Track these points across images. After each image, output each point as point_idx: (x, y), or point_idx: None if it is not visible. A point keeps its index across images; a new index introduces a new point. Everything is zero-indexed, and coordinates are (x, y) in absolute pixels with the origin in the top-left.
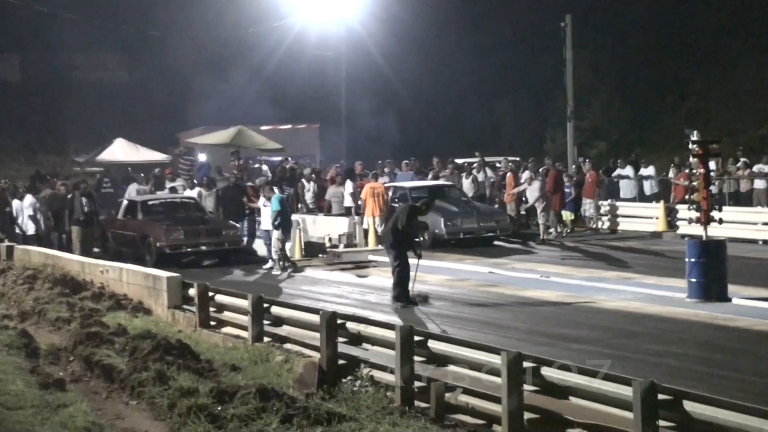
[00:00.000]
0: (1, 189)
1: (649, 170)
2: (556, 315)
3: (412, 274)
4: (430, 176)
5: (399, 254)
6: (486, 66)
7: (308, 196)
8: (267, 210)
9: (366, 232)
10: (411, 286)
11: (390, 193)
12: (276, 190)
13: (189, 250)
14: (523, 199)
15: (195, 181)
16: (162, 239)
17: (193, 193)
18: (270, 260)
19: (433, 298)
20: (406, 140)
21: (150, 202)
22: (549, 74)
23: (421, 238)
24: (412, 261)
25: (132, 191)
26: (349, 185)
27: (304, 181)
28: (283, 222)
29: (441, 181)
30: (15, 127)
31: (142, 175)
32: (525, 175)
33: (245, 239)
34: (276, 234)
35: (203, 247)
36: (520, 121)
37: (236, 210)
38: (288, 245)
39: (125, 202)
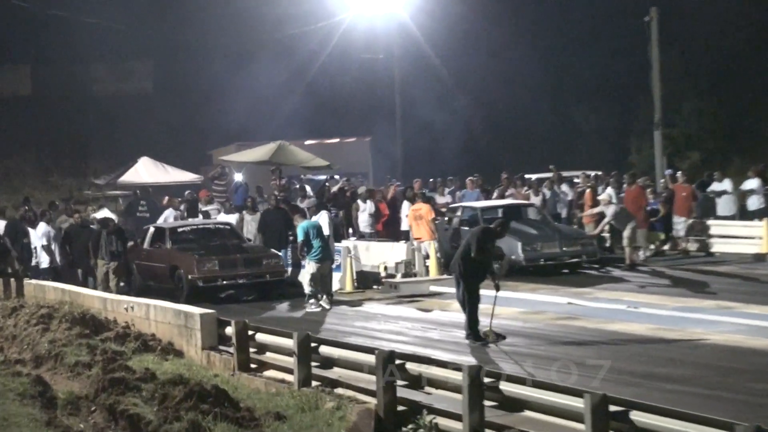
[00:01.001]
0: (19, 217)
1: (753, 183)
2: (646, 351)
3: (489, 307)
4: (495, 194)
5: (469, 287)
6: (560, 67)
7: (363, 218)
8: None
9: (426, 258)
10: (489, 322)
11: (459, 214)
12: (324, 213)
13: (225, 282)
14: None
15: (231, 203)
16: (194, 271)
17: (230, 218)
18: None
19: (506, 333)
20: (469, 153)
21: (180, 229)
22: (632, 76)
23: (498, 265)
24: (489, 293)
25: (169, 217)
26: (405, 206)
27: (359, 201)
28: (317, 252)
29: (516, 200)
30: (27, 147)
31: (179, 199)
32: (604, 195)
33: (289, 269)
34: (307, 266)
35: (241, 279)
36: (600, 130)
37: (278, 236)
38: (337, 276)
39: (151, 229)
